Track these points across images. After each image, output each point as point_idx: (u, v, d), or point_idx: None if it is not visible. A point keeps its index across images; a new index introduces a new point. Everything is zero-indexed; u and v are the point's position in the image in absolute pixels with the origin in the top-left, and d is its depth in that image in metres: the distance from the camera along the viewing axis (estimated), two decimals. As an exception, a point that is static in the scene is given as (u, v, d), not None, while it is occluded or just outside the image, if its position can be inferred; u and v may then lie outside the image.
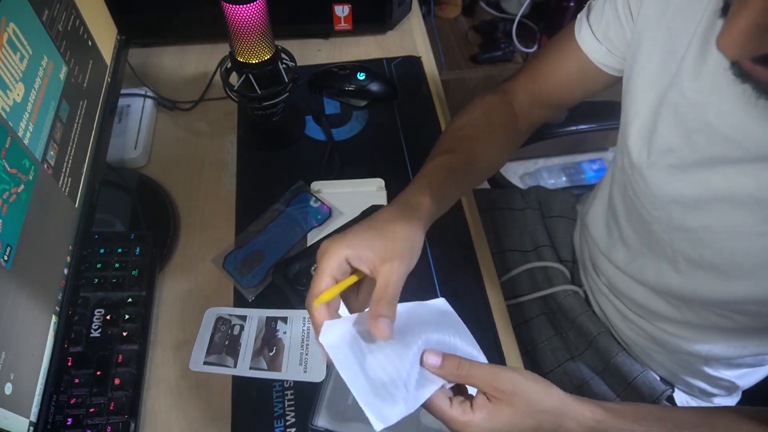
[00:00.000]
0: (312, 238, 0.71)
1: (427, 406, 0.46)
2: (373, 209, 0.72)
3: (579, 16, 0.65)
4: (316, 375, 0.60)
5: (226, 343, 0.64)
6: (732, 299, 0.56)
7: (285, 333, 0.64)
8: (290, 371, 0.61)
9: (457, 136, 0.66)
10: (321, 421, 0.58)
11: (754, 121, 0.47)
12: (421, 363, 0.47)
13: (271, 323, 0.65)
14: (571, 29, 0.66)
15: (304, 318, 0.64)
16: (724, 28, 0.33)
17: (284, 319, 0.65)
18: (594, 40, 0.63)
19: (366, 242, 0.49)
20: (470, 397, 0.47)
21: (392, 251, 0.49)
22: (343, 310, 0.51)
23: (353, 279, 0.49)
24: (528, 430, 0.46)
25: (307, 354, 0.62)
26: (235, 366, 0.62)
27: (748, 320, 0.58)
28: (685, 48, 0.51)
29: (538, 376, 0.47)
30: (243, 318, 0.65)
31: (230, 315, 0.66)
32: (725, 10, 0.35)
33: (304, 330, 0.63)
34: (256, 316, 0.65)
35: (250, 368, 0.62)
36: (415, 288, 0.68)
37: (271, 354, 0.62)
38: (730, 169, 0.50)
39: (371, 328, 0.46)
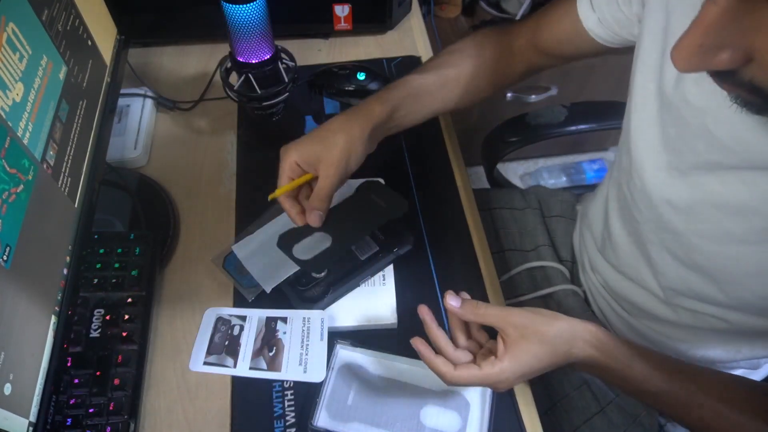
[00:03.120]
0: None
1: (461, 380, 0.52)
2: (368, 185, 0.70)
3: None
4: (316, 375, 0.60)
5: (226, 343, 0.64)
6: (721, 302, 0.56)
7: (285, 333, 0.64)
8: (290, 371, 0.61)
9: (440, 60, 0.71)
10: (321, 421, 0.57)
11: (748, 131, 0.47)
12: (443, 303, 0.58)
13: (271, 323, 0.65)
14: None
15: (304, 318, 0.64)
16: (677, 41, 0.34)
17: (284, 319, 0.65)
18: (589, 6, 0.65)
19: (310, 150, 0.60)
20: (487, 354, 0.54)
21: (330, 158, 0.59)
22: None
23: (305, 178, 0.61)
24: (546, 357, 0.53)
25: (307, 354, 0.62)
26: (234, 366, 0.62)
27: (742, 318, 0.58)
28: None
29: (542, 309, 0.55)
30: (243, 318, 0.65)
31: (230, 315, 0.66)
32: None
33: (304, 330, 0.63)
34: (256, 316, 0.65)
35: (250, 368, 0.62)
36: (416, 286, 0.69)
37: (270, 354, 0.62)
38: (728, 175, 0.50)
39: (308, 218, 0.60)
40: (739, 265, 0.52)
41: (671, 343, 0.68)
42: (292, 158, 0.60)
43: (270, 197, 0.61)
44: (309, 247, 0.62)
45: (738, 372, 0.70)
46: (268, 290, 0.64)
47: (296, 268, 0.63)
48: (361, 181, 0.70)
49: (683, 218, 0.56)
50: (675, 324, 0.65)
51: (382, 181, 0.71)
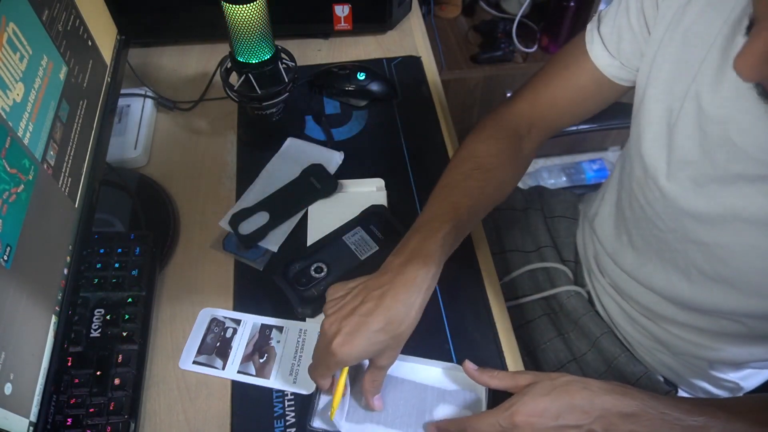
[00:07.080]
0: (312, 237, 0.71)
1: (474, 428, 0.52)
2: (373, 209, 0.72)
3: (589, 27, 0.64)
4: (306, 387, 0.60)
5: (218, 344, 0.64)
6: (745, 312, 0.55)
7: (278, 342, 0.63)
8: (279, 380, 0.61)
9: (466, 186, 0.62)
10: (317, 422, 0.58)
11: None
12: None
13: (265, 330, 0.64)
14: (578, 43, 0.64)
15: (301, 330, 0.64)
16: (742, 49, 0.33)
17: (279, 329, 0.64)
18: (607, 53, 0.61)
19: (376, 347, 0.53)
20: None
21: (395, 351, 0.54)
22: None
23: (345, 373, 0.57)
24: (562, 406, 0.50)
25: (299, 365, 0.62)
26: (223, 368, 0.62)
27: (761, 325, 0.58)
28: (701, 58, 0.50)
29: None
30: (237, 322, 0.65)
31: (225, 317, 0.66)
32: (750, 30, 0.35)
33: (299, 342, 0.63)
34: (250, 321, 0.65)
35: (238, 372, 0.62)
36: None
37: (261, 361, 0.62)
38: (749, 188, 0.49)
39: (375, 405, 0.57)
40: (764, 277, 0.51)
41: (683, 344, 0.67)
42: (350, 363, 0.54)
43: (332, 417, 0.56)
44: (251, 225, 0.71)
45: (746, 371, 0.69)
46: (275, 249, 0.70)
47: (296, 221, 0.73)
48: (308, 165, 0.77)
49: (707, 230, 0.54)
50: (689, 327, 0.65)
51: (323, 164, 0.77)
